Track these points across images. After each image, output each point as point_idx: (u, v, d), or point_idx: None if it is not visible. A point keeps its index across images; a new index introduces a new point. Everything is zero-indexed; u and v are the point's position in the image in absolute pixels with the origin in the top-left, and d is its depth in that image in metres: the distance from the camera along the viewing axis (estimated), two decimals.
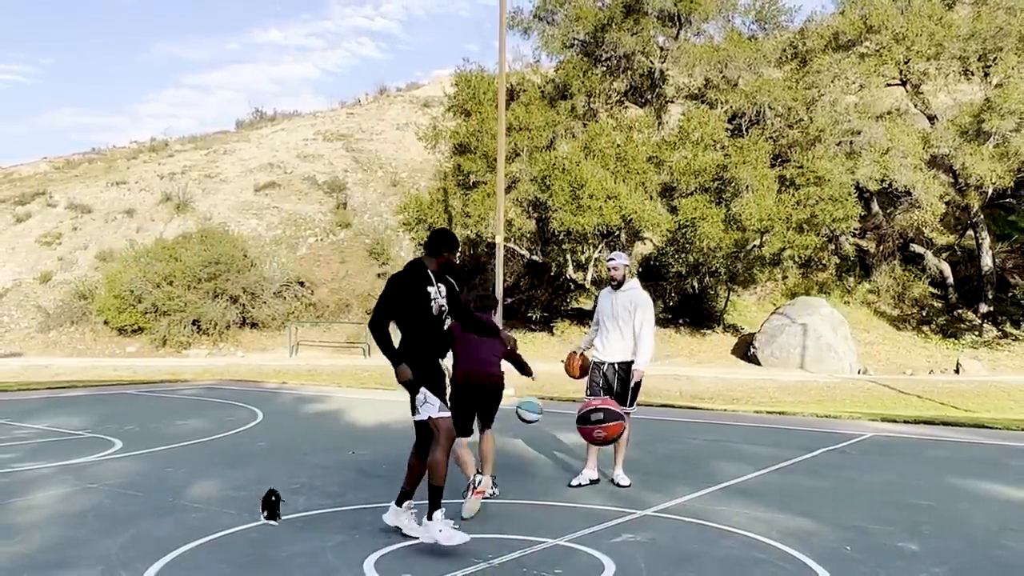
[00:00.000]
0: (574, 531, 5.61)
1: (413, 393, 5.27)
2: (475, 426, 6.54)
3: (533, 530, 5.63)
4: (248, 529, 5.64)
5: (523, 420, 7.03)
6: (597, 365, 7.27)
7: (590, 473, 7.29)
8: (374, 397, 15.54)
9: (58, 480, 7.35)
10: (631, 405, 7.18)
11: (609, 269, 7.34)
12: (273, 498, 5.77)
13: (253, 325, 31.51)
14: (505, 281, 21.88)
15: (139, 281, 30.25)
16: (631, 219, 23.07)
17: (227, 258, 31.18)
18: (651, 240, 26.18)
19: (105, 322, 31.51)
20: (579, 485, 7.20)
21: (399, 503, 5.49)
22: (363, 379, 20.11)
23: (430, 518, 5.09)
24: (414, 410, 5.29)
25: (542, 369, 21.62)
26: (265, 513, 5.76)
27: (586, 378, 7.36)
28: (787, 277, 26.62)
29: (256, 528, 5.66)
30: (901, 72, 24.84)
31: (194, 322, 30.29)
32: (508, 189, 23.63)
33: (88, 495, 6.74)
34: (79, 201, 42.15)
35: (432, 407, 5.20)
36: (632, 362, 7.12)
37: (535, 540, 5.38)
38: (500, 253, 17.53)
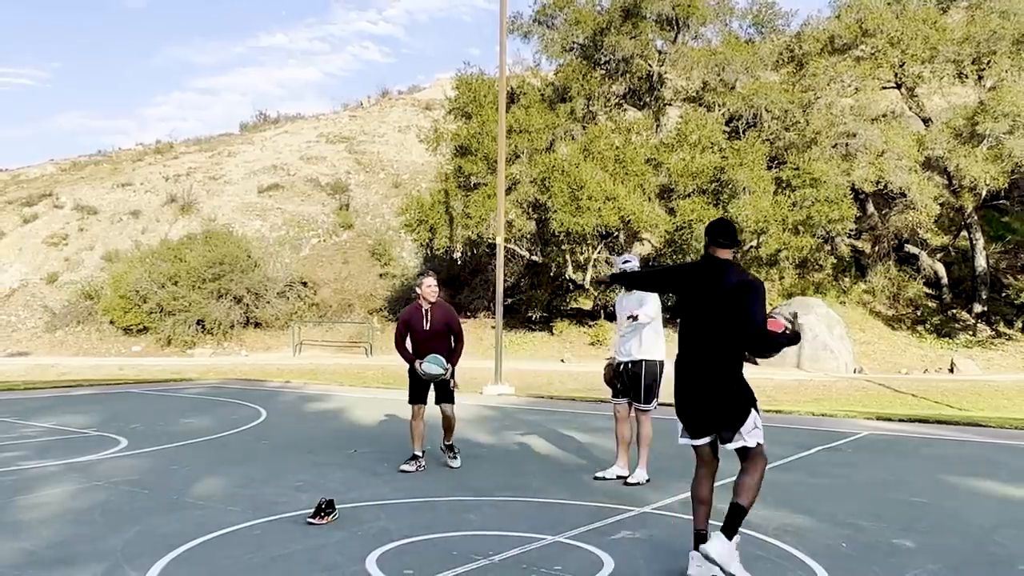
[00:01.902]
0: (573, 527, 5.65)
1: (746, 415, 4.54)
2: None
3: (533, 527, 5.67)
4: (252, 526, 5.69)
5: (428, 375, 7.61)
6: (616, 365, 7.37)
7: (618, 469, 7.33)
8: (376, 396, 15.62)
9: (64, 477, 7.38)
10: (648, 403, 7.18)
11: (623, 271, 7.29)
12: (323, 505, 5.85)
13: (257, 325, 31.78)
14: (505, 281, 22.09)
15: (144, 281, 30.51)
16: (629, 220, 23.29)
17: (231, 259, 31.43)
18: (649, 241, 26.38)
19: (111, 322, 31.80)
20: (603, 478, 7.27)
21: (699, 546, 4.66)
22: (365, 378, 20.27)
23: (730, 538, 4.50)
24: (737, 435, 4.54)
25: (541, 368, 21.94)
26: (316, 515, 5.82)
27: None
28: (784, 277, 26.79)
29: (260, 525, 5.71)
30: (896, 75, 24.95)
31: (198, 322, 30.56)
32: (508, 190, 23.82)
33: (94, 492, 6.77)
34: (85, 202, 42.46)
35: (761, 432, 4.60)
36: (642, 360, 7.14)
37: (535, 537, 5.41)
38: (500, 254, 17.72)
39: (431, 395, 7.84)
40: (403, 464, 7.72)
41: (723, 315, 4.56)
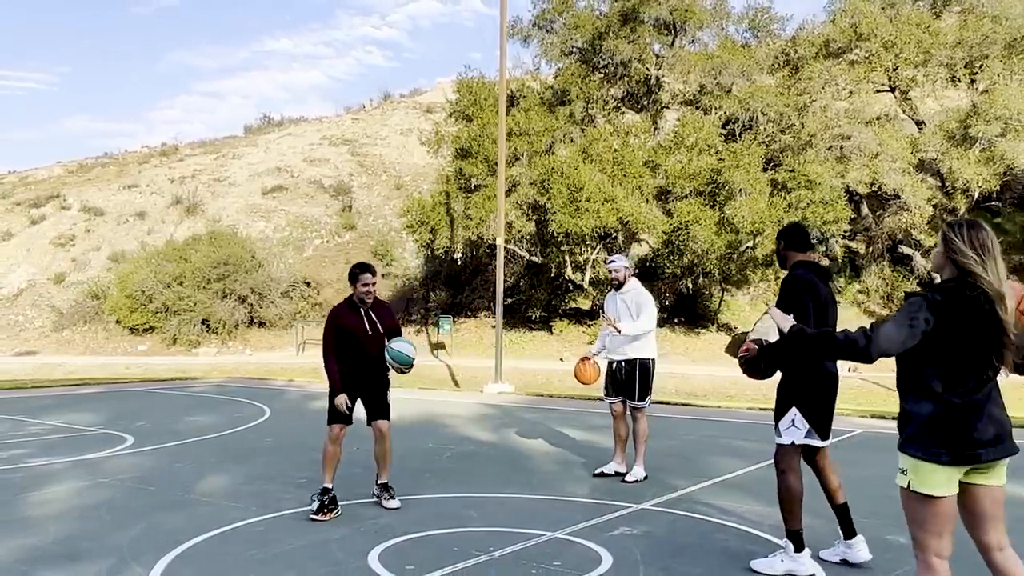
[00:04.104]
0: (572, 524, 5.70)
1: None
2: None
3: (532, 523, 5.73)
4: (256, 522, 5.76)
5: (399, 354, 6.14)
6: (608, 364, 7.44)
7: (616, 465, 7.44)
8: None
9: (71, 475, 7.48)
10: (642, 400, 7.26)
11: (609, 272, 7.41)
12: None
13: (261, 324, 32.11)
14: (505, 281, 22.33)
15: (150, 281, 30.85)
16: (627, 221, 23.50)
17: (235, 259, 31.75)
18: (647, 242, 26.60)
19: (117, 321, 32.14)
20: (602, 474, 7.43)
21: (801, 548, 4.79)
22: None
23: (855, 535, 4.93)
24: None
25: (541, 367, 22.16)
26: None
27: (601, 378, 7.63)
28: (779, 278, 26.96)
29: (263, 521, 5.79)
30: (890, 79, 25.15)
31: (203, 321, 30.89)
32: (508, 192, 24.02)
33: (100, 489, 6.86)
34: (92, 204, 42.87)
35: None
36: (636, 359, 7.22)
37: (534, 533, 5.46)
38: (500, 254, 18.01)
39: (359, 410, 6.30)
40: (313, 513, 5.92)
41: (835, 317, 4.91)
